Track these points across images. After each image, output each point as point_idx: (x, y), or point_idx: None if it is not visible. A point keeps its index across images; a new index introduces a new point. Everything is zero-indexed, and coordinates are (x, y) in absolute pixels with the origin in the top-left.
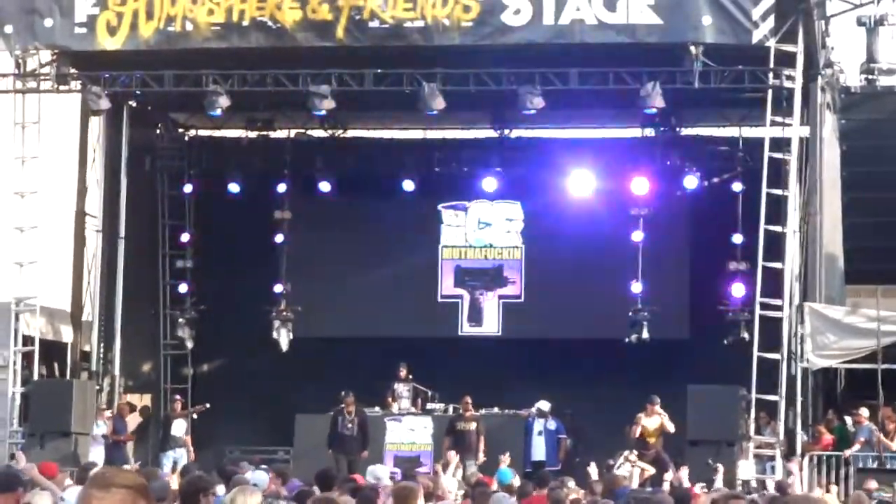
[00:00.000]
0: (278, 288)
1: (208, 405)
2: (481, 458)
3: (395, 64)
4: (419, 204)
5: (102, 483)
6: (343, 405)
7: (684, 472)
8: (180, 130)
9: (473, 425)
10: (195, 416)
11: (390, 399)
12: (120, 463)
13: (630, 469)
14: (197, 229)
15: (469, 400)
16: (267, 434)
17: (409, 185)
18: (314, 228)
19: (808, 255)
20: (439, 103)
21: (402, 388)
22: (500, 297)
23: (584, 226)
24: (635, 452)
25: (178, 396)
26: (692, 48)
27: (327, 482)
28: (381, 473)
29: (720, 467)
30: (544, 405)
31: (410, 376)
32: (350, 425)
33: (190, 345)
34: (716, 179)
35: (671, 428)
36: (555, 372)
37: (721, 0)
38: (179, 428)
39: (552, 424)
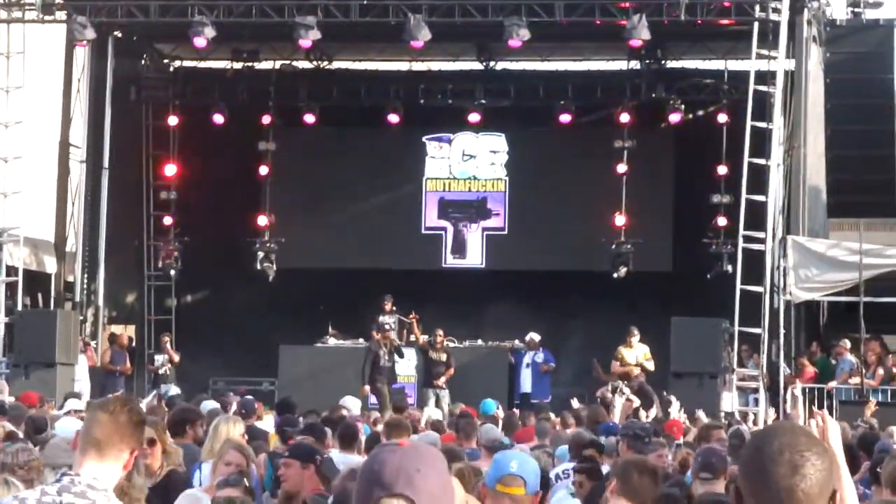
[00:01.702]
0: (262, 220)
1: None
2: (441, 383)
3: None
4: (404, 136)
5: (105, 408)
6: (380, 337)
7: (675, 405)
8: (165, 61)
9: (444, 356)
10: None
11: (375, 331)
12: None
13: (623, 402)
14: (181, 160)
15: (441, 333)
16: (251, 365)
17: (393, 117)
18: (299, 160)
19: (792, 188)
20: (425, 35)
21: (386, 320)
22: (484, 229)
23: (569, 158)
24: (623, 384)
25: (166, 333)
26: None
27: (288, 410)
28: (352, 404)
29: (673, 400)
30: (537, 337)
31: (394, 308)
32: (387, 357)
33: (172, 273)
34: (700, 112)
35: (650, 367)
36: (538, 304)
37: None
38: (161, 363)
39: (540, 357)
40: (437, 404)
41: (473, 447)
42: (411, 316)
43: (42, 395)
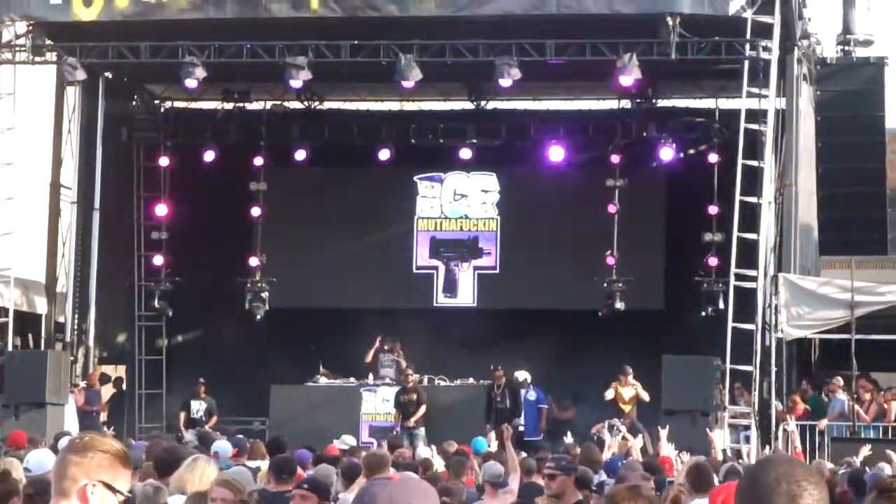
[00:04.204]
0: (254, 260)
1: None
2: (411, 422)
3: (372, 35)
4: (395, 175)
5: (80, 448)
6: (493, 379)
7: (663, 436)
8: (156, 102)
9: (414, 396)
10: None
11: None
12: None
13: (619, 441)
14: (172, 201)
15: (410, 372)
16: (243, 405)
17: (384, 156)
18: (290, 200)
19: (783, 225)
20: (415, 75)
21: (385, 359)
22: (476, 268)
23: (560, 197)
24: (619, 421)
25: (201, 379)
26: (669, 19)
27: (279, 449)
28: (351, 441)
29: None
30: (522, 375)
31: (386, 347)
32: (500, 398)
33: (169, 314)
34: (692, 151)
35: (646, 396)
36: (530, 343)
37: None
38: (199, 408)
39: (532, 395)
40: (412, 443)
41: (463, 484)
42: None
43: (32, 436)
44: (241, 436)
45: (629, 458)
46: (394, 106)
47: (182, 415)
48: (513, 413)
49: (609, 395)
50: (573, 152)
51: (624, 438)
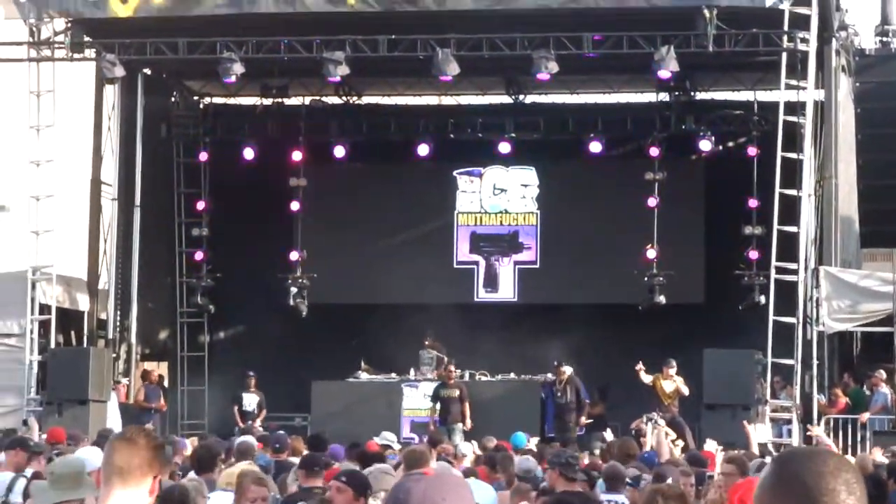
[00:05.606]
0: (294, 255)
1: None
2: (468, 423)
3: (409, 30)
4: (434, 170)
5: (160, 444)
6: (556, 375)
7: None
8: (195, 98)
9: (457, 392)
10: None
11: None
12: None
13: (658, 434)
14: (212, 197)
15: (452, 368)
16: (284, 401)
17: (423, 152)
18: (329, 195)
19: (824, 218)
20: (453, 69)
21: (424, 355)
22: (516, 262)
23: (599, 191)
24: (657, 414)
25: (251, 373)
26: (706, 11)
27: (319, 445)
28: (391, 438)
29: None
30: (567, 370)
31: (427, 342)
32: (560, 393)
33: (211, 310)
34: (731, 143)
35: (685, 391)
36: (570, 338)
37: None
38: (251, 402)
39: None
40: (450, 438)
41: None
42: (447, 363)
43: (75, 433)
44: (282, 432)
45: (667, 455)
46: (432, 100)
47: (235, 409)
48: (577, 408)
49: (647, 379)
50: (612, 145)
51: (666, 434)
